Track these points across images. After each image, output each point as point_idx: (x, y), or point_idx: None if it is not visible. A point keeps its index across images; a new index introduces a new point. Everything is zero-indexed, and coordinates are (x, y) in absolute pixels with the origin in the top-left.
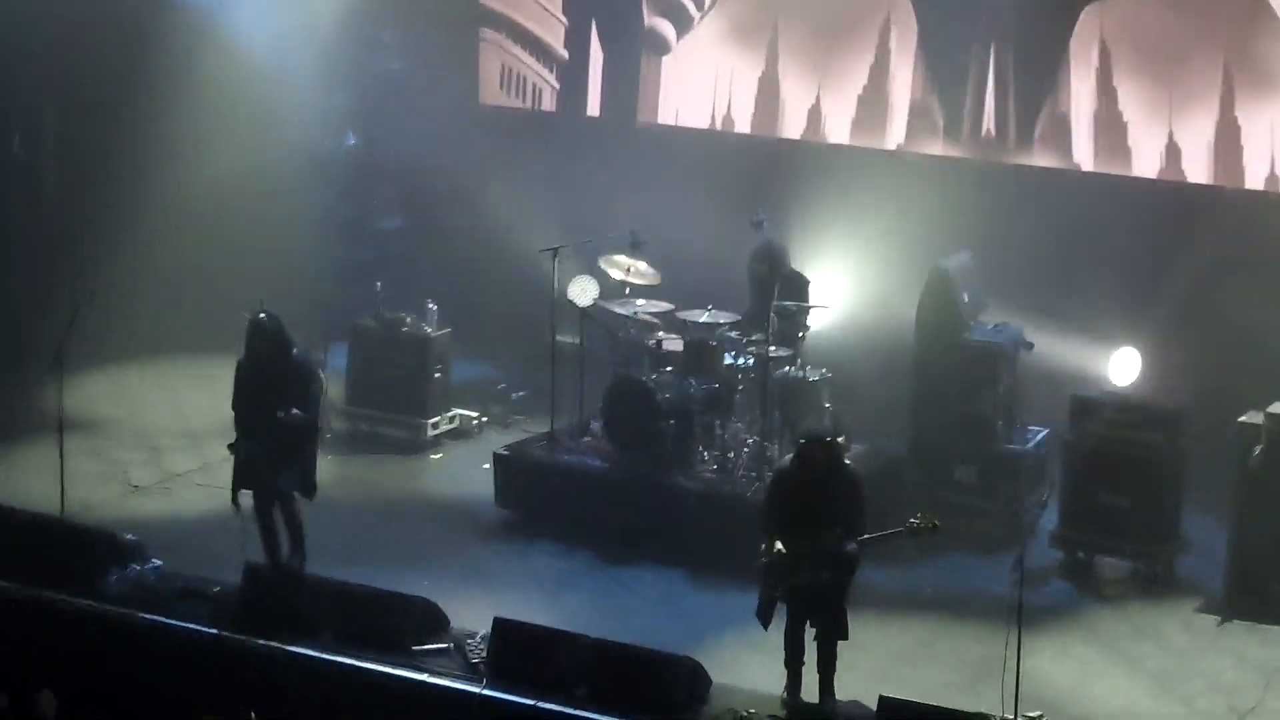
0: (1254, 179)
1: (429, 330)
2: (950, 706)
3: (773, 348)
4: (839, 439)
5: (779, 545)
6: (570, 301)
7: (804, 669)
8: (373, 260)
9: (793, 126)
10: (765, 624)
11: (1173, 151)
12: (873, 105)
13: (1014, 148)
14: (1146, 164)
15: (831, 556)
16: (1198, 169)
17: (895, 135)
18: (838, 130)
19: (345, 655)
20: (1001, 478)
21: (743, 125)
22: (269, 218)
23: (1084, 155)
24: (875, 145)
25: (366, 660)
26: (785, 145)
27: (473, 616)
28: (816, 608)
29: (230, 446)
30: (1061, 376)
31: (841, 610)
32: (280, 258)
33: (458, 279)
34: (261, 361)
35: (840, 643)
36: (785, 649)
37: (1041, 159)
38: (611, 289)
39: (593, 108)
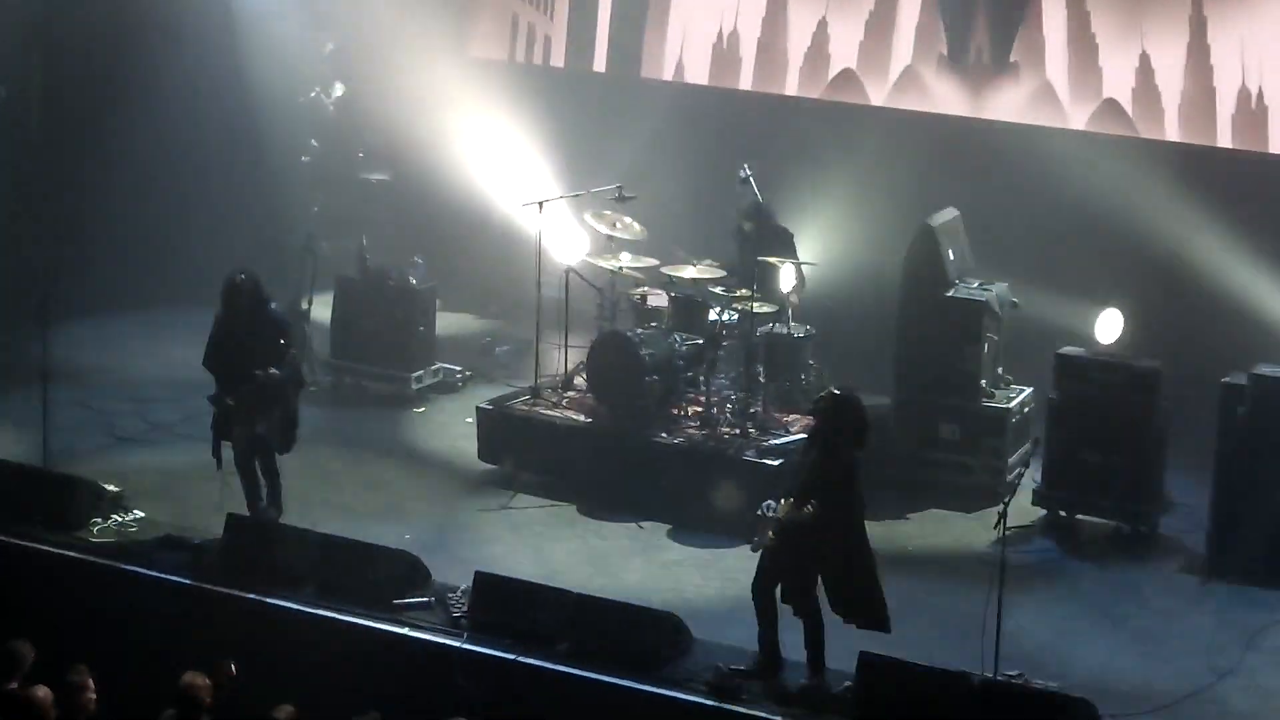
0: (1224, 97)
1: (414, 283)
2: (931, 664)
3: (758, 304)
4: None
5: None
6: (556, 257)
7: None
8: (359, 213)
9: (797, 49)
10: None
11: (1144, 68)
12: (879, 31)
13: (993, 73)
14: (1119, 82)
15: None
16: (1170, 87)
17: (901, 59)
18: (844, 55)
19: (327, 608)
20: (985, 435)
21: (747, 58)
22: (256, 168)
23: (1058, 77)
24: (880, 72)
25: (348, 613)
26: (772, 100)
27: (454, 570)
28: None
29: (211, 398)
30: (1046, 335)
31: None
32: (267, 209)
33: (444, 233)
34: (240, 320)
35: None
36: (757, 613)
37: (1019, 85)
38: (597, 243)
39: (599, 63)
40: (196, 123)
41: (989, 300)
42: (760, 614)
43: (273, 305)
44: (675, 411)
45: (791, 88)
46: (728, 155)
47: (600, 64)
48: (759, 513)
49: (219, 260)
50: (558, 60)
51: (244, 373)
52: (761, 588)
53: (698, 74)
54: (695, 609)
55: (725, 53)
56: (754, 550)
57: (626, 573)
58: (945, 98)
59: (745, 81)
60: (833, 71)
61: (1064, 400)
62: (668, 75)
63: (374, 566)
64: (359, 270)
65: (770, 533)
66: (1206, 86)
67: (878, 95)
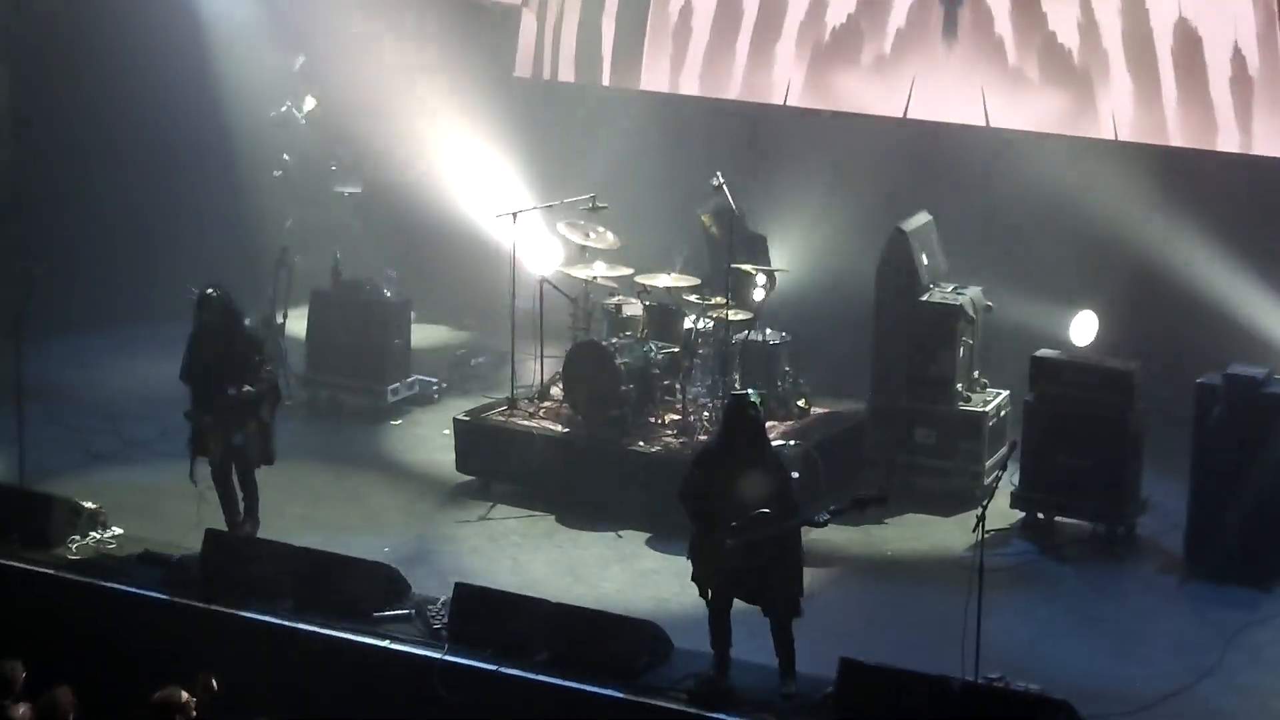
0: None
1: (388, 296)
2: (911, 668)
3: (732, 311)
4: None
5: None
6: (530, 267)
7: (730, 650)
8: (332, 226)
9: (770, 53)
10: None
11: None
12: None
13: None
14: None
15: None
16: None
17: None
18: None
19: (306, 622)
20: (962, 439)
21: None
22: (228, 183)
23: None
24: (876, 41)
25: (328, 627)
26: (744, 108)
27: (434, 582)
28: (758, 591)
29: (187, 415)
30: (1021, 338)
31: (782, 589)
32: (240, 224)
33: (417, 245)
34: (213, 335)
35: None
36: (710, 631)
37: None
38: (571, 253)
39: (565, 74)
40: (167, 138)
41: (963, 304)
42: (716, 639)
43: (246, 321)
44: (652, 420)
45: (765, 95)
46: (699, 163)
47: (568, 74)
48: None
49: (192, 276)
50: (524, 71)
51: (219, 388)
52: (718, 609)
53: (666, 83)
54: (674, 617)
55: (696, 60)
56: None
57: (605, 582)
58: (917, 101)
59: (718, 90)
60: (806, 76)
61: (1040, 403)
62: (641, 85)
63: (353, 579)
64: (333, 283)
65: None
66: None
67: (849, 100)
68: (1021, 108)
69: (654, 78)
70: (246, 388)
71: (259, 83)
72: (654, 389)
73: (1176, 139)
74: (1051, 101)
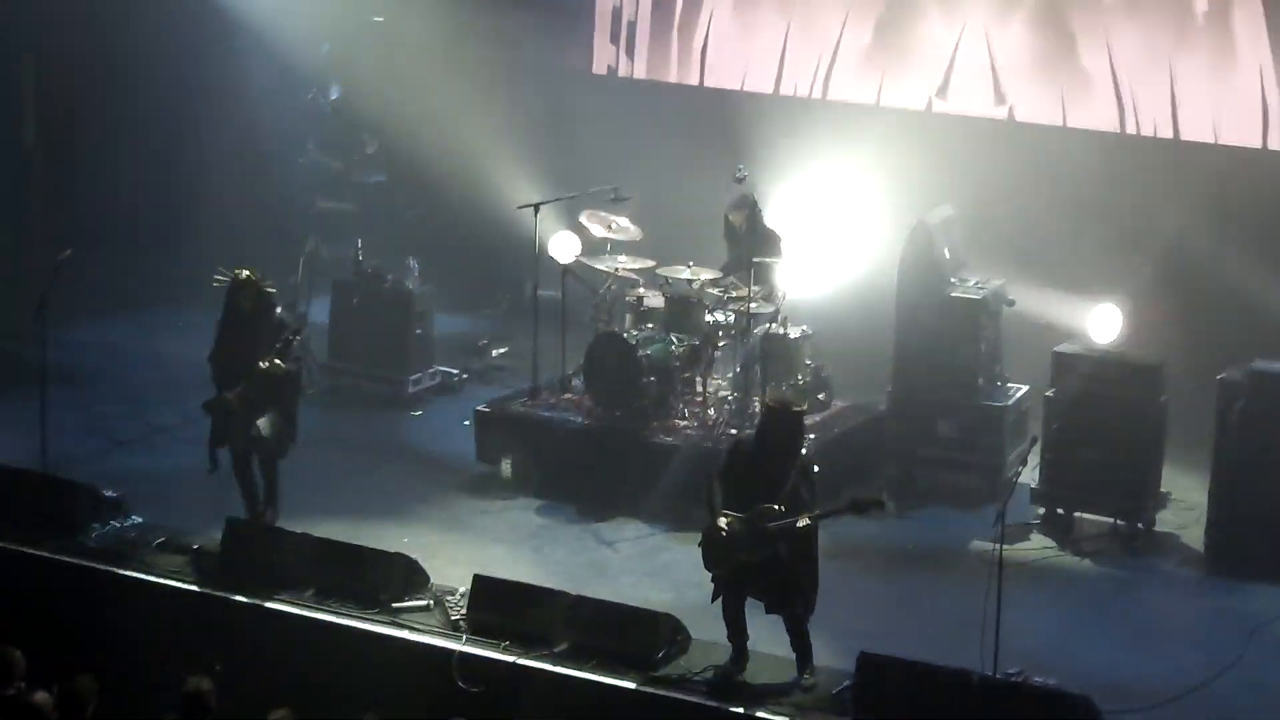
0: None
1: (411, 286)
2: (930, 662)
3: (754, 304)
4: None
5: (722, 522)
6: (552, 258)
7: (748, 642)
8: (355, 215)
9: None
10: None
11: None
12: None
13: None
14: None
15: (770, 533)
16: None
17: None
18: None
19: (325, 611)
20: (983, 433)
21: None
22: (253, 171)
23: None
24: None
25: (346, 616)
26: (767, 100)
27: (453, 573)
28: (767, 586)
29: (205, 406)
30: (1043, 332)
31: (795, 585)
32: (263, 212)
33: (440, 234)
34: (243, 318)
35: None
36: (726, 625)
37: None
38: (593, 245)
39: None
40: (193, 125)
41: (985, 297)
42: (733, 631)
43: (275, 305)
44: (673, 412)
45: (786, 87)
46: (723, 155)
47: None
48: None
49: (216, 262)
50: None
51: (247, 368)
52: (732, 603)
53: (693, 75)
54: (692, 609)
55: (719, 52)
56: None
57: (625, 573)
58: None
59: (740, 81)
60: (828, 70)
61: (1061, 397)
62: (669, 76)
63: (372, 569)
64: (355, 272)
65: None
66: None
67: (872, 93)
68: (1045, 101)
69: (683, 70)
70: (276, 360)
71: (284, 70)
72: (675, 381)
73: (1195, 133)
74: (1074, 95)
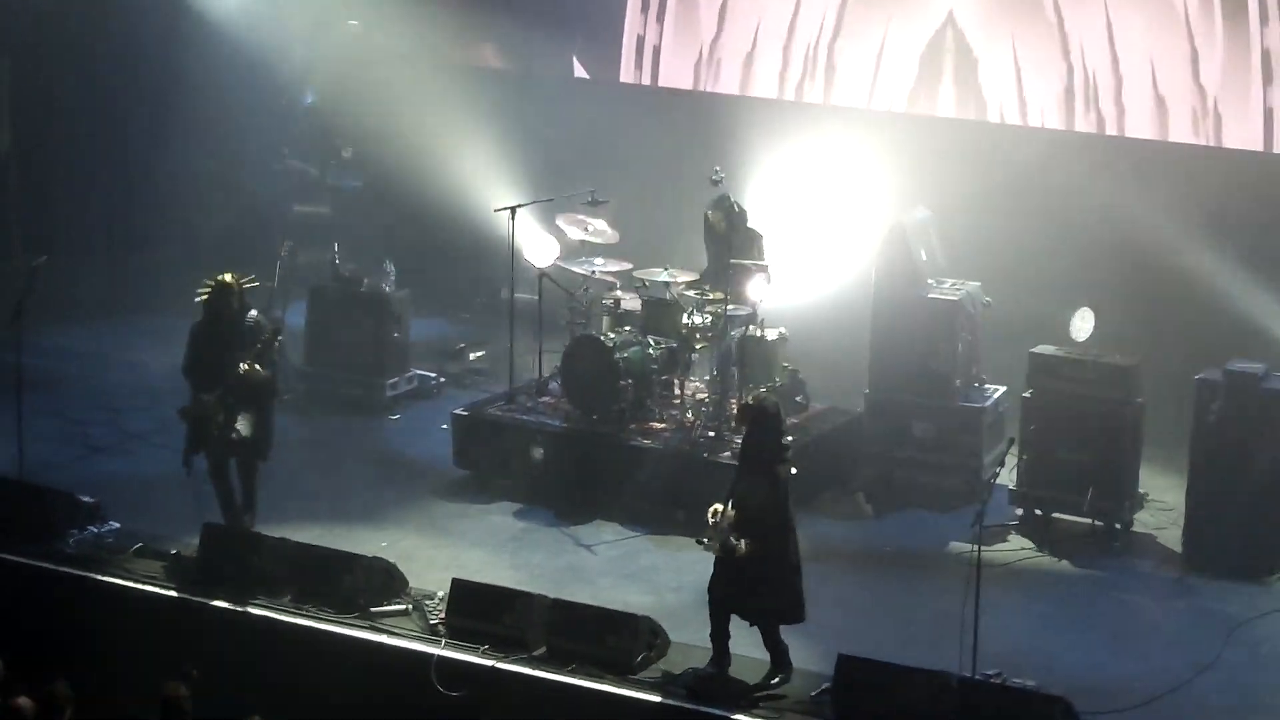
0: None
1: (387, 290)
2: (909, 664)
3: (731, 306)
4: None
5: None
6: (529, 261)
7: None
8: (331, 220)
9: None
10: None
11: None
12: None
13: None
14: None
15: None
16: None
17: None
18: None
19: (303, 616)
20: (960, 434)
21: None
22: (227, 177)
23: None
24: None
25: (325, 621)
26: (743, 103)
27: (431, 577)
28: (739, 586)
29: (180, 412)
30: (1019, 334)
31: (771, 600)
32: (238, 217)
33: (416, 238)
34: (222, 324)
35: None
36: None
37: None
38: (570, 248)
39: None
40: (169, 132)
41: (961, 299)
42: (712, 615)
43: (252, 310)
44: (650, 415)
45: (763, 89)
46: (700, 159)
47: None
48: (709, 518)
49: (191, 269)
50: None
51: (225, 376)
52: (713, 591)
53: (672, 78)
54: (671, 611)
55: (699, 55)
56: (706, 549)
57: (603, 576)
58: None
59: (716, 84)
60: (803, 72)
61: (1038, 398)
62: (644, 80)
63: (350, 574)
64: (332, 277)
65: (716, 546)
66: None
67: (847, 95)
68: (1019, 102)
69: (669, 74)
70: (256, 365)
71: (258, 77)
72: (652, 384)
73: (1174, 133)
74: (1049, 95)
